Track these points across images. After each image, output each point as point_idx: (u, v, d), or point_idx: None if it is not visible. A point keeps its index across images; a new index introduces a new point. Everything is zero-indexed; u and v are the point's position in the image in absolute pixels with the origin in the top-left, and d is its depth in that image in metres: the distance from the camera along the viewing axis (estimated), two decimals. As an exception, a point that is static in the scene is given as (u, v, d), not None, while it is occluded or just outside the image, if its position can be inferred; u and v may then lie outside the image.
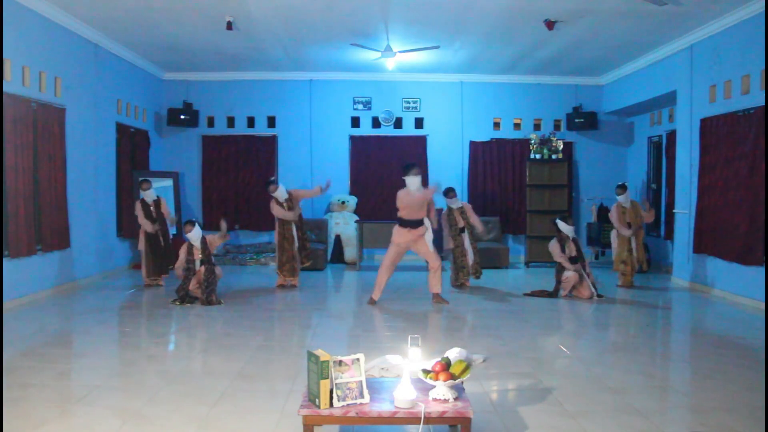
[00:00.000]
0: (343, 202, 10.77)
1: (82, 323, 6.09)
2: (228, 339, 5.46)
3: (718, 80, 7.63)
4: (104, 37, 8.44)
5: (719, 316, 6.71)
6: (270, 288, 8.11)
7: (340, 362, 2.96)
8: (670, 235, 9.46)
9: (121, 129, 9.33)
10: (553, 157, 10.48)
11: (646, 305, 7.19)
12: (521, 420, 3.53)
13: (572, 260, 7.40)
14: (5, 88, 6.32)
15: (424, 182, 10.77)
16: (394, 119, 11.12)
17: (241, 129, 11.08)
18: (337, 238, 10.54)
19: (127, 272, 9.25)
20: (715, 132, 7.68)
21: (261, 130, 11.10)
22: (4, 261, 6.34)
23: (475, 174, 11.07)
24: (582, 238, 10.35)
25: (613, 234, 8.30)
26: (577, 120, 10.88)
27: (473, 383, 4.03)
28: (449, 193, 8.12)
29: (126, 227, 9.27)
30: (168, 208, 8.27)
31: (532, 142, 10.57)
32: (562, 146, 10.58)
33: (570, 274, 7.38)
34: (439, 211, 7.92)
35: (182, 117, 10.64)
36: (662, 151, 10.08)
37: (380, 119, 11.10)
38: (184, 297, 6.94)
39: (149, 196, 8.00)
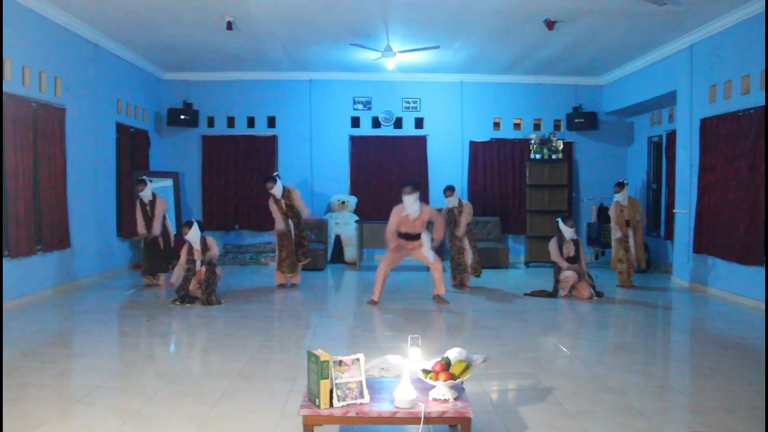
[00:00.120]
0: (343, 202, 10.77)
1: (82, 323, 6.09)
2: (228, 339, 5.46)
3: (718, 80, 7.63)
4: (104, 37, 8.44)
5: (719, 316, 6.71)
6: (270, 288, 8.11)
7: (340, 362, 2.96)
8: (670, 235, 9.46)
9: (121, 129, 9.33)
10: (553, 157, 10.48)
11: (646, 305, 7.19)
12: (521, 420, 3.53)
13: (569, 260, 7.41)
14: (5, 88, 6.32)
15: (424, 182, 10.93)
16: (394, 119, 11.12)
17: (241, 129, 11.08)
18: (337, 238, 10.54)
19: (127, 272, 9.25)
20: (715, 132, 7.68)
21: (261, 130, 11.10)
22: (4, 261, 6.34)
23: (475, 174, 11.07)
24: (582, 238, 10.35)
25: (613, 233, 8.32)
26: (577, 120, 10.88)
27: (473, 383, 4.03)
28: (446, 192, 8.13)
29: (126, 227, 9.27)
30: (163, 206, 8.16)
31: (532, 142, 10.57)
32: (562, 146, 10.58)
33: (569, 274, 7.39)
34: (439, 210, 7.92)
35: (182, 117, 10.64)
36: (662, 151, 10.08)
37: (380, 119, 11.10)
38: (184, 297, 6.94)
39: (146, 196, 8.00)
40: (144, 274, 8.07)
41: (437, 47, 8.62)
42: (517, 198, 11.01)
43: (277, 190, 7.88)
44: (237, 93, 10.99)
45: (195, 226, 7.03)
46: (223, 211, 11.05)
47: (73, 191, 7.77)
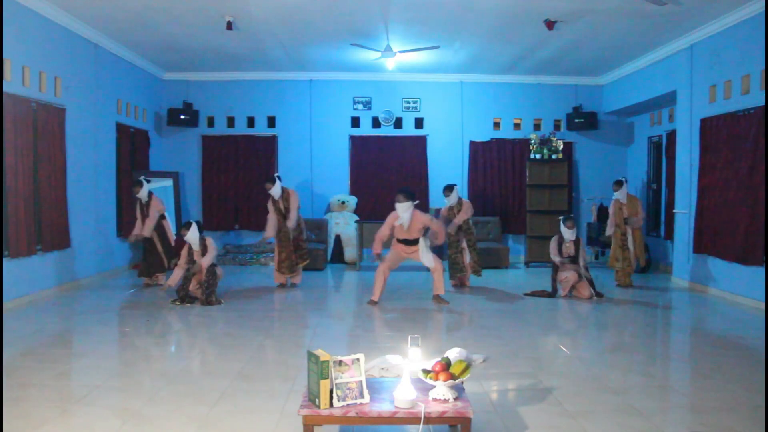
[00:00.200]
0: (343, 202, 10.77)
1: (82, 323, 6.09)
2: (228, 339, 5.46)
3: (718, 80, 7.63)
4: (104, 37, 8.44)
5: (719, 316, 6.71)
6: (270, 288, 8.11)
7: (340, 362, 2.96)
8: (670, 235, 9.46)
9: (121, 129, 9.33)
10: (553, 157, 10.48)
11: (646, 305, 7.19)
12: (521, 420, 3.53)
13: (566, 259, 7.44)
14: (5, 88, 6.32)
15: (424, 182, 10.94)
16: (394, 119, 11.12)
17: (241, 129, 11.08)
18: (337, 238, 10.54)
19: (127, 272, 9.25)
20: (715, 132, 7.68)
21: (261, 130, 11.10)
22: (4, 261, 6.35)
23: (475, 174, 11.07)
24: (582, 238, 10.34)
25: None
26: (577, 120, 10.88)
27: (473, 383, 4.03)
28: (445, 191, 8.15)
29: (126, 227, 9.26)
30: (159, 207, 8.03)
31: (532, 142, 10.57)
32: (562, 146, 10.58)
33: (569, 274, 7.39)
34: (438, 210, 7.94)
35: (182, 117, 10.64)
36: (662, 151, 10.08)
37: (380, 119, 11.10)
38: (184, 297, 6.94)
39: (143, 196, 7.99)
40: (141, 275, 8.08)
41: (437, 47, 8.62)
42: (517, 198, 11.01)
43: (275, 191, 7.87)
44: (237, 93, 10.99)
45: (194, 227, 7.02)
46: (223, 211, 11.05)
47: (73, 191, 7.77)
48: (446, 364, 3.11)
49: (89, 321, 6.14)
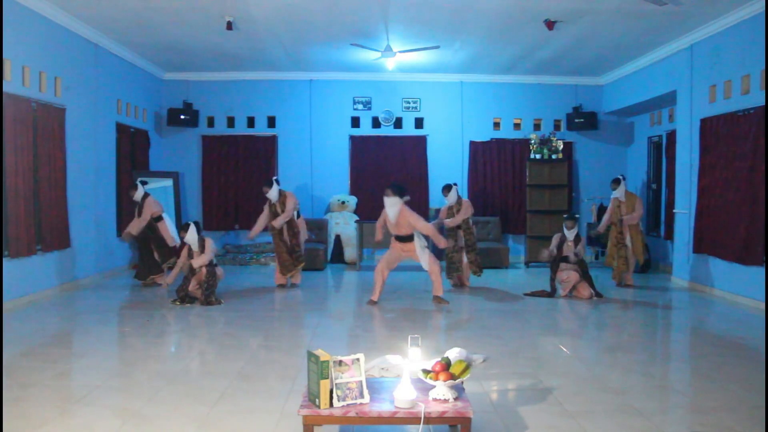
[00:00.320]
0: (343, 202, 10.77)
1: (82, 323, 6.09)
2: (228, 339, 5.46)
3: (718, 80, 7.63)
4: (104, 37, 8.44)
5: (719, 316, 6.71)
6: (270, 288, 8.11)
7: (340, 362, 2.96)
8: (670, 235, 9.46)
9: (121, 129, 9.33)
10: (553, 157, 10.48)
11: (646, 305, 7.19)
12: (521, 420, 3.53)
13: (566, 260, 7.44)
14: (5, 88, 6.32)
15: (424, 183, 10.94)
16: (394, 119, 11.12)
17: (241, 129, 11.09)
18: (337, 238, 10.54)
19: (127, 272, 9.25)
20: (715, 132, 7.68)
21: (261, 130, 11.10)
22: (4, 261, 6.34)
23: (475, 174, 11.08)
24: (584, 238, 10.34)
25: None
26: (577, 120, 10.88)
27: (473, 383, 4.04)
28: (443, 191, 8.16)
29: (126, 227, 9.24)
30: (152, 208, 7.98)
31: (532, 142, 10.57)
32: (562, 146, 10.58)
33: (570, 274, 7.40)
34: (438, 210, 7.94)
35: (182, 117, 10.64)
36: (662, 151, 10.08)
37: (380, 119, 11.10)
38: (184, 297, 6.94)
39: (138, 198, 7.99)
40: (137, 277, 8.12)
41: (437, 47, 8.62)
42: (517, 198, 11.01)
43: (272, 194, 7.88)
44: (237, 93, 10.99)
45: (192, 228, 7.03)
46: (223, 211, 11.05)
47: (73, 191, 7.77)
48: (446, 364, 3.11)
49: (89, 321, 6.14)
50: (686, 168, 8.42)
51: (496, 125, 11.19)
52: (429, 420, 2.90)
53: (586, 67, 10.22)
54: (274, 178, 8.10)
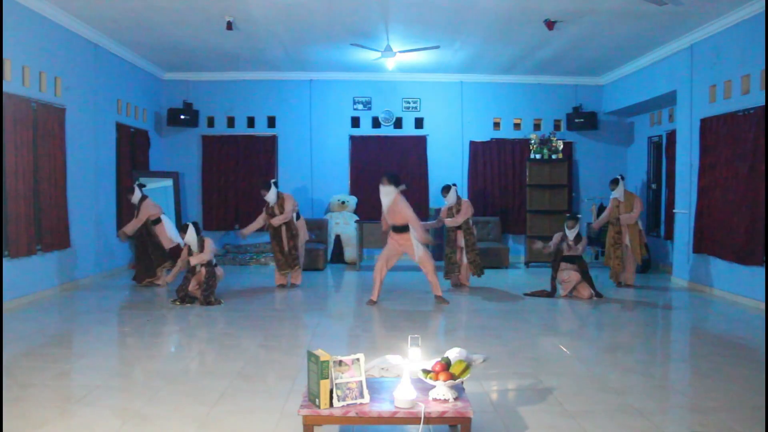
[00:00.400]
0: (343, 202, 10.77)
1: (82, 323, 6.09)
2: (228, 339, 5.46)
3: (718, 80, 7.63)
4: (104, 37, 8.44)
5: (719, 316, 6.71)
6: (270, 288, 8.11)
7: (340, 362, 2.96)
8: (670, 235, 9.46)
9: (121, 129, 9.33)
10: (553, 157, 10.48)
11: (646, 305, 7.19)
12: (521, 420, 3.53)
13: (567, 259, 7.43)
14: (5, 88, 6.32)
15: (424, 183, 10.94)
16: (394, 119, 11.12)
17: (241, 129, 11.08)
18: (337, 238, 10.54)
19: (127, 272, 9.24)
20: (715, 132, 7.68)
21: (261, 130, 11.10)
22: (4, 261, 6.34)
23: (475, 174, 11.08)
24: (585, 237, 10.35)
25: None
26: (577, 120, 10.88)
27: (473, 383, 4.04)
28: (442, 192, 8.16)
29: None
30: (148, 211, 7.96)
31: (532, 142, 10.57)
32: (562, 146, 10.58)
33: (571, 274, 7.40)
34: (438, 210, 7.93)
35: (182, 117, 10.64)
36: (662, 151, 10.08)
37: (380, 119, 11.10)
38: (184, 297, 6.94)
39: (135, 201, 8.00)
40: (135, 279, 8.12)
41: (437, 47, 8.62)
42: (517, 198, 11.01)
43: (270, 197, 7.89)
44: (237, 93, 10.99)
45: (191, 229, 7.03)
46: (223, 211, 11.05)
47: (73, 191, 7.77)
48: (446, 364, 3.11)
49: (89, 321, 6.15)
50: (686, 168, 8.42)
51: (496, 125, 11.19)
52: (429, 420, 2.90)
53: (586, 67, 10.21)
54: (272, 180, 8.10)
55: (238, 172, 11.02)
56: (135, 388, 4.12)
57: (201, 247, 7.05)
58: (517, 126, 11.20)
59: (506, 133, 11.15)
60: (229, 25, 7.55)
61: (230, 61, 10.02)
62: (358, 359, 2.99)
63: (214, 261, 7.20)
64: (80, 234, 7.99)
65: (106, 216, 8.91)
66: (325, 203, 11.07)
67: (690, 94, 8.30)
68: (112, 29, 8.16)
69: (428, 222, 8.40)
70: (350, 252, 10.45)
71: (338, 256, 10.56)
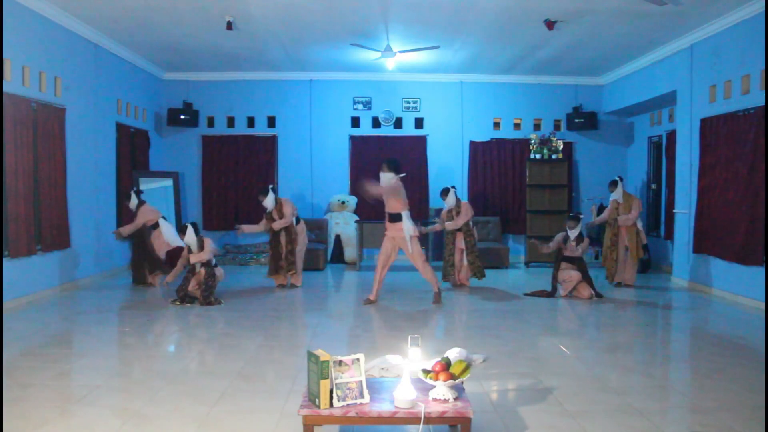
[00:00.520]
0: (343, 202, 10.77)
1: (82, 323, 6.09)
2: (228, 339, 5.46)
3: (718, 80, 7.63)
4: (104, 37, 8.44)
5: (719, 316, 6.71)
6: (270, 288, 8.11)
7: (340, 362, 2.96)
8: (670, 235, 9.46)
9: (121, 129, 9.33)
10: (553, 157, 10.48)
11: (646, 305, 7.19)
12: (521, 420, 3.53)
13: (568, 259, 7.43)
14: (5, 88, 6.32)
15: (424, 183, 10.93)
16: (394, 119, 11.12)
17: (241, 129, 11.08)
18: (337, 238, 10.54)
19: (127, 272, 9.22)
20: (715, 132, 7.68)
21: (261, 130, 11.10)
22: (4, 261, 6.35)
23: (475, 174, 11.07)
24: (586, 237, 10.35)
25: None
26: (577, 120, 10.88)
27: (473, 383, 4.04)
28: (441, 194, 8.18)
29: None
30: (146, 215, 7.95)
31: (532, 142, 10.57)
32: (562, 146, 10.58)
33: (572, 274, 7.40)
34: (439, 210, 7.93)
35: (182, 117, 10.64)
36: (662, 151, 10.08)
37: (380, 119, 11.10)
38: (184, 297, 6.94)
39: (132, 207, 8.00)
40: (134, 281, 8.13)
41: (437, 47, 8.62)
42: (517, 198, 11.01)
43: (268, 202, 7.90)
44: (237, 93, 10.99)
45: (190, 230, 7.02)
46: (223, 211, 11.04)
47: (73, 191, 7.77)
48: (446, 364, 3.11)
49: (89, 321, 6.15)
50: (686, 168, 8.42)
51: (496, 125, 11.19)
52: (429, 420, 2.90)
53: (586, 67, 10.21)
54: (270, 186, 8.10)
55: (238, 172, 11.02)
56: (135, 388, 4.12)
57: (201, 247, 7.05)
58: (517, 126, 11.20)
59: (506, 133, 11.15)
60: (229, 25, 7.55)
61: (230, 61, 10.02)
62: (358, 359, 2.99)
63: (214, 261, 7.20)
64: (80, 234, 7.99)
65: (106, 216, 8.91)
66: (325, 203, 11.07)
67: (690, 94, 8.30)
68: (112, 29, 8.16)
69: (428, 227, 8.41)
70: (350, 252, 10.45)
71: (338, 256, 10.56)
